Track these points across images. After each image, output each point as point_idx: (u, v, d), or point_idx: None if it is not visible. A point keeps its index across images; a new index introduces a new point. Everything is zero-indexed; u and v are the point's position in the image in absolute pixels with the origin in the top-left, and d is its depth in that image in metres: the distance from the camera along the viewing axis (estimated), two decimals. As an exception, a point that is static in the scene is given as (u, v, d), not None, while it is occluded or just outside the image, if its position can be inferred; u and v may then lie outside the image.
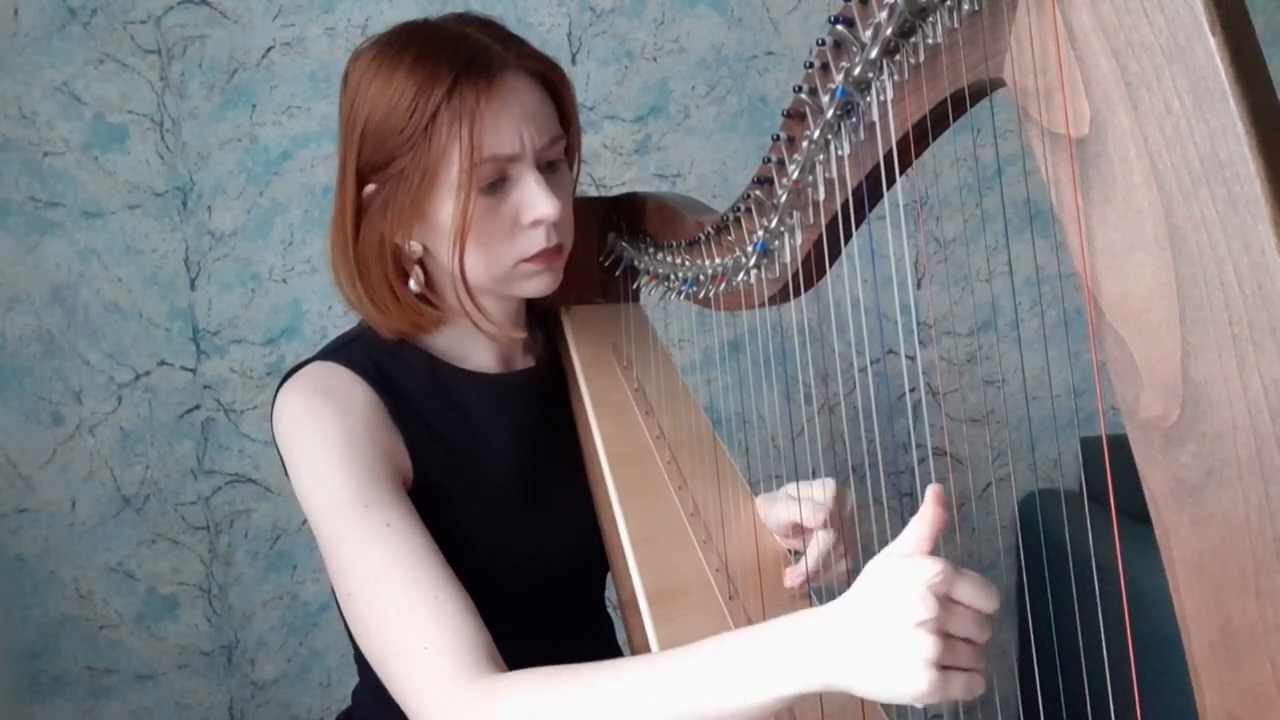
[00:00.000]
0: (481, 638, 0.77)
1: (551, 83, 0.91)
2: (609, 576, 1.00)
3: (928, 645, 0.60)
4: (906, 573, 0.61)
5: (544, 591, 0.96)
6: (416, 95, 0.83)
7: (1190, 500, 0.52)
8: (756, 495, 1.00)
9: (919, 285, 2.11)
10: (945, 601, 0.61)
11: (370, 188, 0.88)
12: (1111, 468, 0.61)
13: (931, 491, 0.64)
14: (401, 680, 0.76)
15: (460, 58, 0.84)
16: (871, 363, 2.00)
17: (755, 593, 0.90)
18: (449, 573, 0.80)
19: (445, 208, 0.86)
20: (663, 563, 0.90)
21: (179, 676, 1.92)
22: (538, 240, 0.89)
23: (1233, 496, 0.50)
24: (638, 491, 0.95)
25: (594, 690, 0.70)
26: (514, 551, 0.93)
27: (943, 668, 0.60)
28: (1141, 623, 0.69)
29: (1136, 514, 0.55)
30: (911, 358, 2.05)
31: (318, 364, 0.90)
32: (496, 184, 0.86)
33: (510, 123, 0.85)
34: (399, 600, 0.78)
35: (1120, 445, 0.56)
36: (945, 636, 0.61)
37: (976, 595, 0.62)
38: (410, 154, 0.84)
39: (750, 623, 0.86)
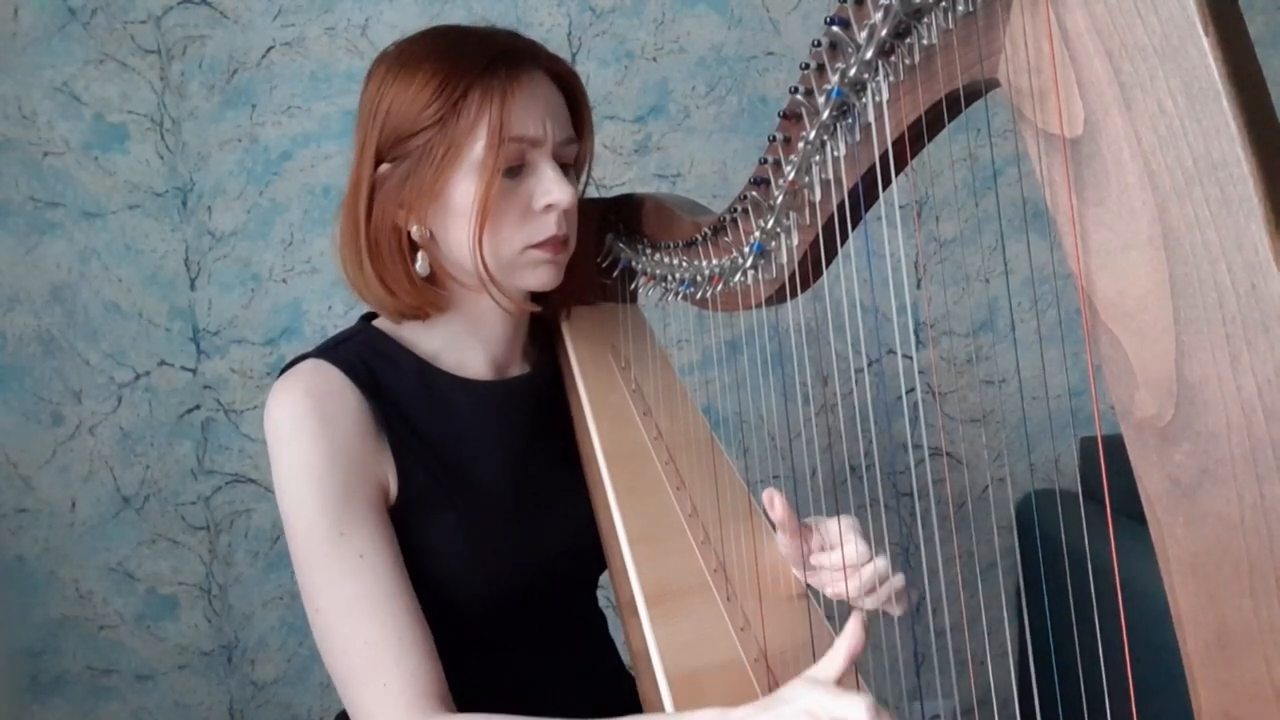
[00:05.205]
0: (437, 678, 0.83)
1: (573, 91, 0.95)
2: (606, 577, 1.00)
3: None
4: (807, 699, 0.66)
5: (536, 594, 0.96)
6: (449, 75, 0.86)
7: (1185, 500, 0.52)
8: (754, 494, 1.00)
9: (918, 285, 2.11)
10: None
11: (385, 167, 0.90)
12: (1108, 468, 0.61)
13: (855, 617, 0.69)
14: (357, 708, 0.82)
15: (492, 49, 0.88)
16: (870, 363, 2.00)
17: (754, 593, 0.90)
18: (415, 609, 0.85)
19: (463, 185, 0.88)
20: (661, 563, 0.90)
21: (179, 676, 1.92)
22: (548, 226, 0.91)
23: (1227, 496, 0.50)
24: (636, 492, 0.95)
25: None
26: (504, 555, 0.93)
27: None
28: (1138, 622, 0.69)
29: (1134, 514, 0.55)
30: (910, 358, 2.05)
31: (312, 362, 0.91)
32: (515, 168, 0.89)
33: (536, 109, 0.89)
34: (365, 634, 0.82)
35: (1118, 445, 0.56)
36: None
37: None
38: (437, 128, 0.87)
39: (749, 623, 0.87)
